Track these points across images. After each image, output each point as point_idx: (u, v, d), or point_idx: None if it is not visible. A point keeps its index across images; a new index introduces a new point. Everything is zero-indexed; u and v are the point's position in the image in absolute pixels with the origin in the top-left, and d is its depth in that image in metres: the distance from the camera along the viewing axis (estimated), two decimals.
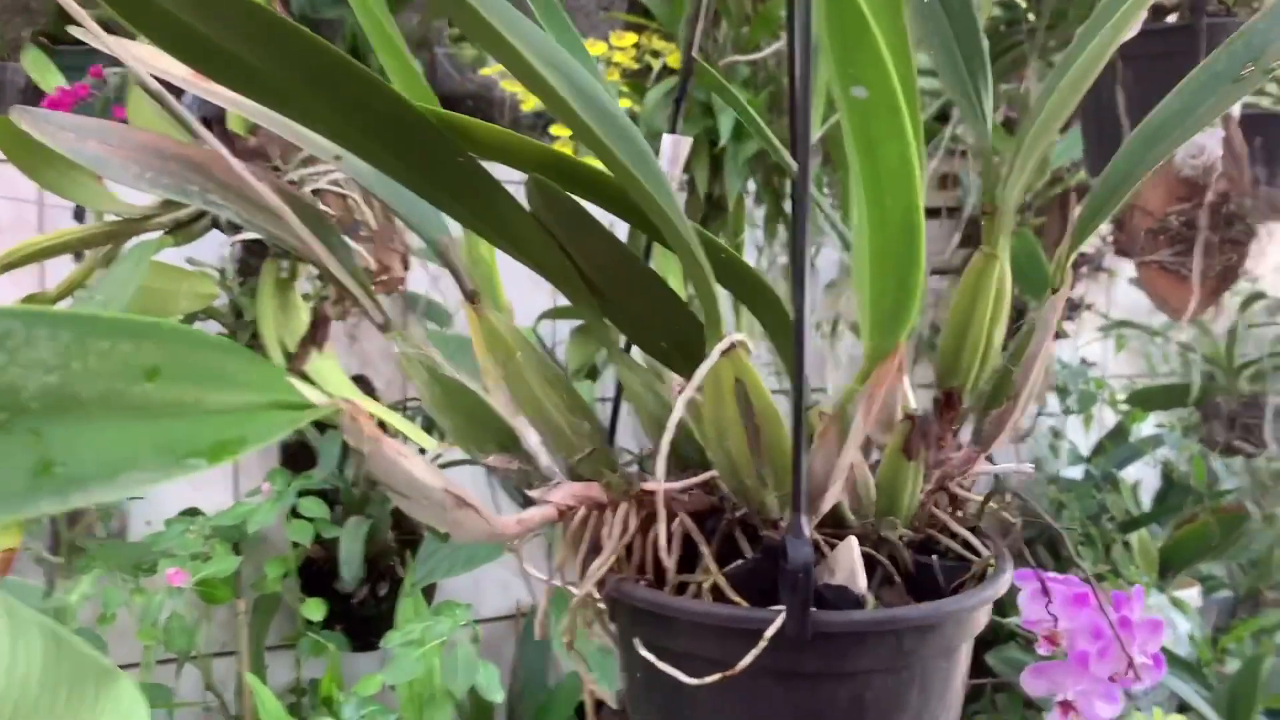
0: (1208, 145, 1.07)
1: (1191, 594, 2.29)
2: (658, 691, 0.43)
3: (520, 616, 1.96)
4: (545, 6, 0.47)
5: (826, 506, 0.42)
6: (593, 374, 1.91)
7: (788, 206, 1.68)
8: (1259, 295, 1.49)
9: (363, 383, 1.83)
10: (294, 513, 1.65)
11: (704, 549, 0.42)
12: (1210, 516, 2.22)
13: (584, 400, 0.43)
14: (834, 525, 0.45)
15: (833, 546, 0.43)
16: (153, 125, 1.02)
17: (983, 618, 0.43)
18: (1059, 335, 2.14)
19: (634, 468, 0.46)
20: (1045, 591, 0.58)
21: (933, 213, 1.72)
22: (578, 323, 1.95)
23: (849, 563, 0.41)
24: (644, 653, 0.42)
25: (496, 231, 0.40)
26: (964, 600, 0.41)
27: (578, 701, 1.59)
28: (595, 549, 0.44)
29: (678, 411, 0.39)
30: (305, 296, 1.22)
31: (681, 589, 0.43)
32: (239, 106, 0.44)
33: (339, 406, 0.35)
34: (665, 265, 0.49)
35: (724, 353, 0.39)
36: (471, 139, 0.38)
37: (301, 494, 1.67)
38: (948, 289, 2.09)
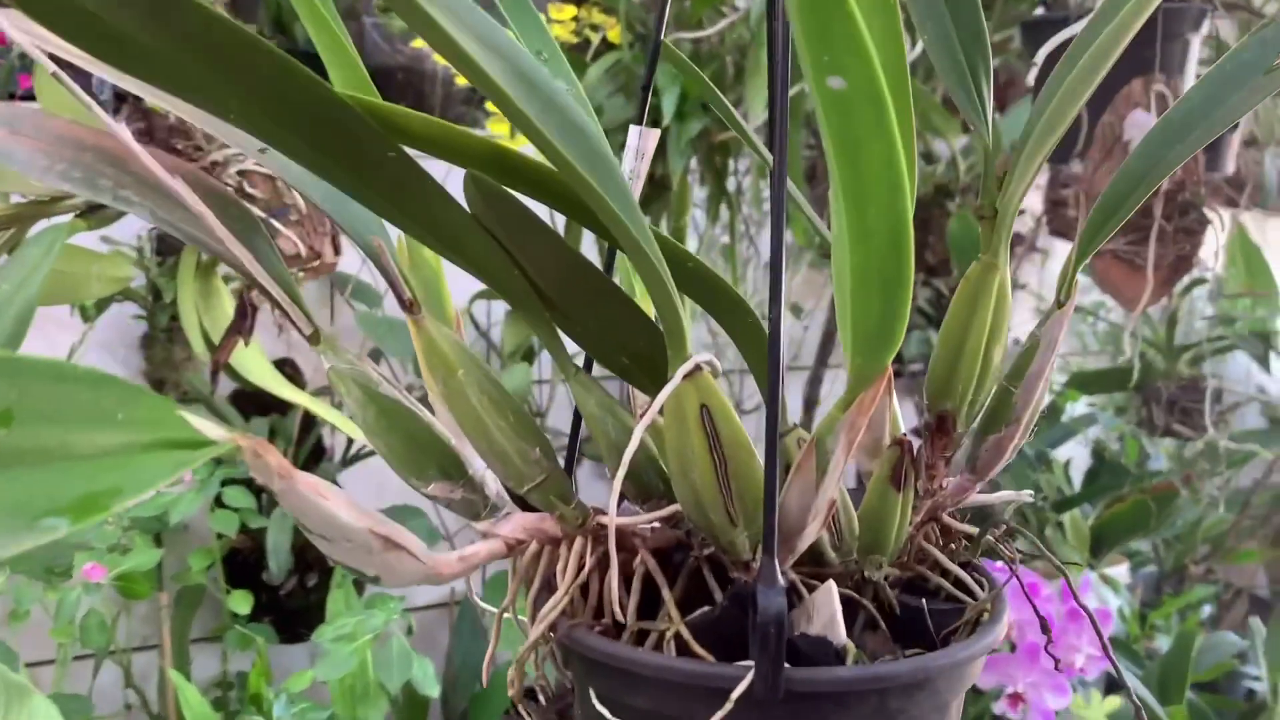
0: None
1: (1120, 571, 2.32)
2: None
3: (454, 605, 1.92)
4: None
5: (803, 546, 0.38)
6: (529, 356, 1.85)
7: (731, 185, 1.64)
8: (1199, 281, 1.49)
9: (289, 365, 1.76)
10: (218, 502, 1.59)
11: (665, 594, 0.38)
12: (1141, 495, 2.24)
13: (533, 423, 0.38)
14: (812, 563, 0.41)
15: (810, 589, 0.39)
16: (62, 104, 0.94)
17: (979, 668, 0.39)
18: None
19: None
20: (1028, 597, 0.55)
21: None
22: None
23: (828, 610, 0.37)
24: (599, 708, 0.37)
25: (433, 235, 0.35)
26: (955, 654, 0.37)
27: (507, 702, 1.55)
28: (549, 586, 0.40)
29: (634, 444, 0.35)
30: (226, 279, 1.15)
31: (642, 636, 0.39)
32: (144, 93, 0.39)
33: (239, 443, 0.30)
34: (631, 276, 0.45)
35: (687, 375, 0.35)
36: (403, 131, 0.33)
37: (225, 483, 1.60)
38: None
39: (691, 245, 1.64)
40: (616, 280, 0.41)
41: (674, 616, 0.37)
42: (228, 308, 1.08)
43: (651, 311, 0.37)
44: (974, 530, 0.43)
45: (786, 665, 0.34)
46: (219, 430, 0.32)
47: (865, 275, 0.34)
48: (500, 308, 1.93)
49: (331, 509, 0.34)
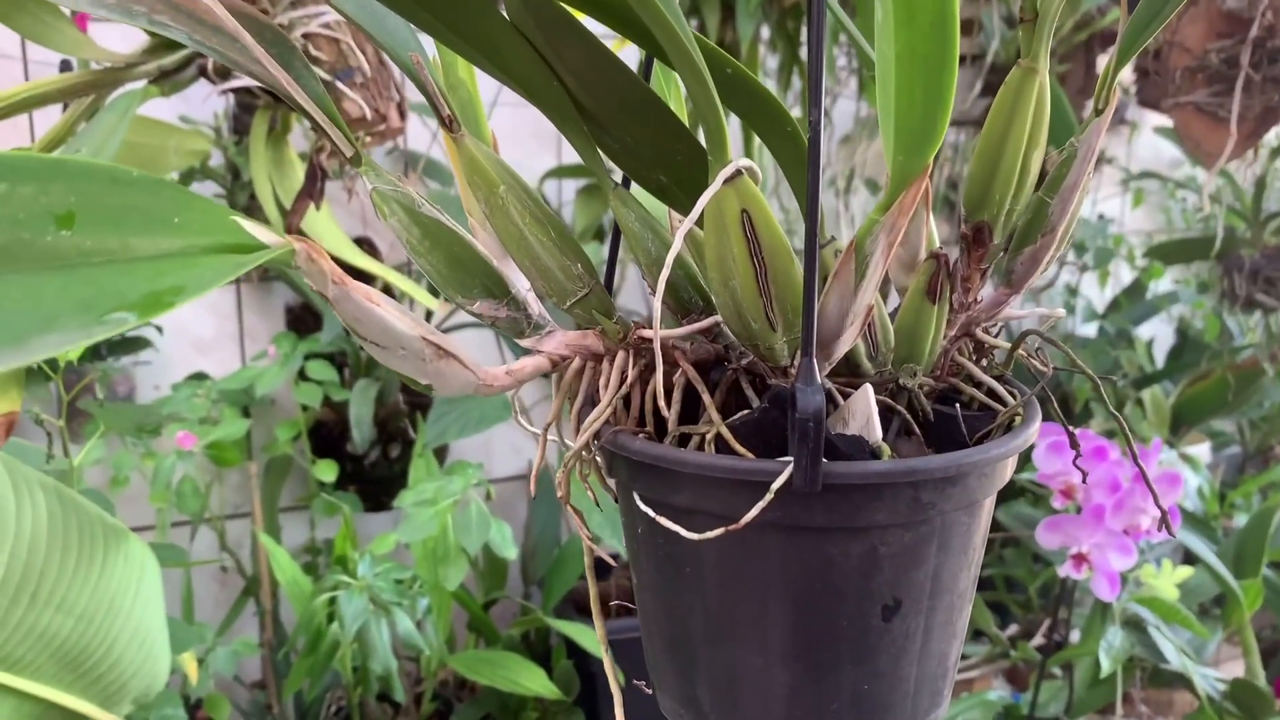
0: None
1: (1201, 450, 2.29)
2: (659, 547, 0.41)
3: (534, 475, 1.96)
4: None
5: (840, 352, 0.39)
6: (600, 235, 1.86)
7: (803, 53, 1.60)
8: None
9: (366, 244, 1.79)
10: (302, 375, 1.65)
11: (706, 398, 0.39)
12: (1224, 373, 2.20)
13: (574, 240, 0.39)
14: (849, 373, 0.42)
15: (847, 395, 0.40)
16: None
17: (1008, 470, 0.40)
18: None
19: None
20: (1073, 444, 0.55)
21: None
22: (584, 182, 1.89)
23: (864, 411, 0.38)
24: (643, 507, 0.39)
25: (471, 43, 0.36)
26: (988, 450, 0.38)
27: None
28: (592, 401, 0.41)
29: (676, 246, 0.35)
30: (301, 155, 1.17)
31: (683, 441, 0.40)
32: None
33: (293, 246, 0.31)
34: (666, 88, 0.45)
35: (728, 180, 0.35)
36: None
37: (308, 357, 1.65)
38: (966, 142, 2.01)
39: None
40: None
41: (714, 418, 0.38)
42: (299, 175, 1.10)
43: (691, 129, 0.37)
44: (1006, 344, 0.43)
45: (824, 460, 0.35)
46: (273, 235, 0.34)
47: (909, 63, 0.34)
48: (570, 187, 1.93)
49: (385, 315, 0.36)
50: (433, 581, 1.40)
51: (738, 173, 0.35)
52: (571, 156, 1.84)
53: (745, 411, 0.39)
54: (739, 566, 0.39)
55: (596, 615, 0.44)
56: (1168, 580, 1.41)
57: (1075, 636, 1.52)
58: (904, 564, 0.39)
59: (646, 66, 0.42)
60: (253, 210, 1.68)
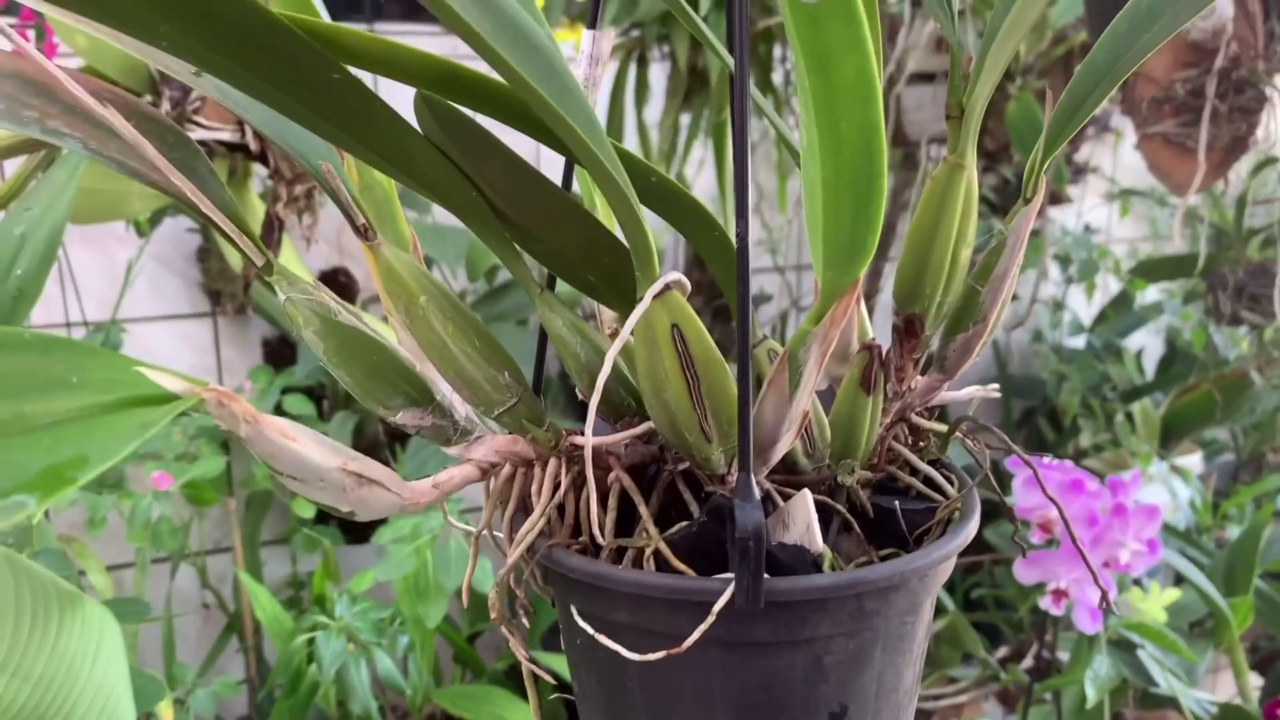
0: (1218, 5, 0.98)
1: (1193, 460, 2.27)
2: (598, 660, 0.40)
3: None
4: None
5: (777, 457, 0.37)
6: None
7: (776, 78, 1.59)
8: (1270, 160, 1.42)
9: (342, 274, 1.77)
10: (279, 410, 1.63)
11: (642, 509, 0.38)
12: (1212, 384, 2.19)
13: (500, 347, 0.38)
14: (785, 471, 0.40)
15: (785, 496, 0.38)
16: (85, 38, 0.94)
17: (950, 567, 0.39)
18: (1062, 200, 2.06)
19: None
20: (1043, 489, 0.54)
21: (928, 78, 1.63)
22: None
23: (804, 518, 0.36)
24: (581, 624, 0.38)
25: (384, 158, 0.34)
26: (929, 554, 0.37)
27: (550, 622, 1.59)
28: (525, 507, 0.40)
29: (606, 368, 0.34)
30: (262, 196, 1.16)
31: (621, 552, 0.39)
32: (66, 18, 0.38)
33: (202, 395, 0.30)
34: (591, 190, 0.44)
35: (657, 295, 0.34)
36: (347, 50, 0.32)
37: (285, 391, 1.64)
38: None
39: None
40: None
41: (652, 533, 0.37)
42: (260, 219, 1.09)
43: (615, 228, 0.36)
44: (942, 427, 0.42)
45: (766, 576, 0.34)
46: (180, 383, 0.32)
47: (837, 188, 0.33)
48: None
49: (301, 450, 0.34)
50: (414, 617, 1.38)
51: (666, 287, 0.34)
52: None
53: (683, 524, 0.38)
54: (682, 681, 0.38)
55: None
56: (1155, 603, 1.40)
57: (1066, 656, 1.51)
58: (849, 670, 0.38)
59: (567, 170, 0.41)
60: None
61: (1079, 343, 2.35)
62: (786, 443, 0.37)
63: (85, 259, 1.57)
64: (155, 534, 1.50)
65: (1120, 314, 2.39)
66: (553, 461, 0.38)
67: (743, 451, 0.35)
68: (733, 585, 0.35)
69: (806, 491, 0.37)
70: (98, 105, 0.34)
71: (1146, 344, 2.46)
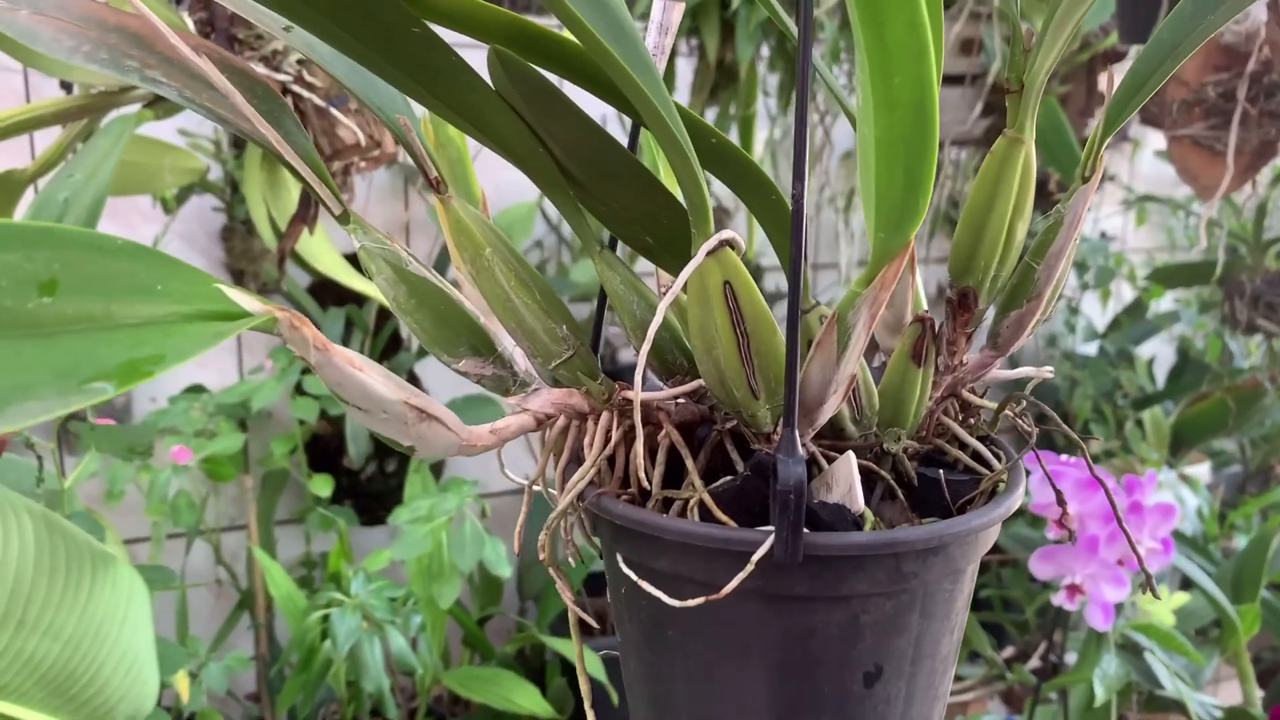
0: (1252, 9, 0.99)
1: (1202, 470, 2.28)
2: (641, 609, 0.41)
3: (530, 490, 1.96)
4: None
5: (824, 419, 0.39)
6: None
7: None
8: None
9: None
10: (299, 389, 1.64)
11: (689, 463, 0.39)
12: (1224, 394, 2.19)
13: (560, 301, 0.39)
14: (833, 436, 0.41)
15: (830, 460, 0.39)
16: None
17: (992, 536, 0.40)
18: None
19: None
20: (1052, 482, 0.55)
21: (954, 80, 1.64)
22: None
23: (847, 479, 0.37)
24: (626, 570, 0.39)
25: (458, 112, 0.35)
26: (969, 521, 0.38)
27: (585, 574, 1.60)
28: (577, 459, 0.41)
29: (657, 320, 0.35)
30: None
31: (667, 505, 0.40)
32: None
33: (275, 315, 0.31)
34: (655, 151, 0.45)
35: (711, 252, 0.35)
36: (425, 5, 0.33)
37: (305, 371, 1.65)
38: (967, 161, 2.01)
39: (761, 134, 1.61)
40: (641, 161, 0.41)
41: (697, 485, 0.38)
42: (294, 196, 1.10)
43: (676, 192, 0.37)
44: (993, 405, 0.43)
45: (805, 530, 0.35)
46: (255, 302, 0.34)
47: (890, 146, 0.34)
48: None
49: (367, 380, 0.36)
50: (427, 598, 1.40)
51: (721, 244, 0.35)
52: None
53: (728, 478, 0.39)
54: (720, 632, 0.39)
55: (582, 674, 0.44)
56: (1164, 606, 1.41)
57: (1072, 658, 1.52)
58: (886, 632, 0.39)
59: (634, 133, 0.42)
60: (253, 226, 1.69)
61: (1092, 349, 2.35)
62: (833, 405, 0.38)
63: (110, 234, 1.59)
64: (173, 508, 1.52)
65: (1134, 321, 2.39)
66: (605, 415, 0.40)
67: (788, 408, 0.36)
68: (772, 537, 0.36)
69: (850, 453, 0.38)
70: (194, 56, 0.35)
71: (1158, 352, 2.47)
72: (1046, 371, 0.44)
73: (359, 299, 1.79)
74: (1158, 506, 1.12)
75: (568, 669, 1.61)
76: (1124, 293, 2.49)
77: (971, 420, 0.44)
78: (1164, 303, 2.41)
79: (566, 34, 0.34)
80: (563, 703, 1.59)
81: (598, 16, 0.32)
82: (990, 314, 0.44)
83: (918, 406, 0.41)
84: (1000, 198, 0.39)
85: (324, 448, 1.74)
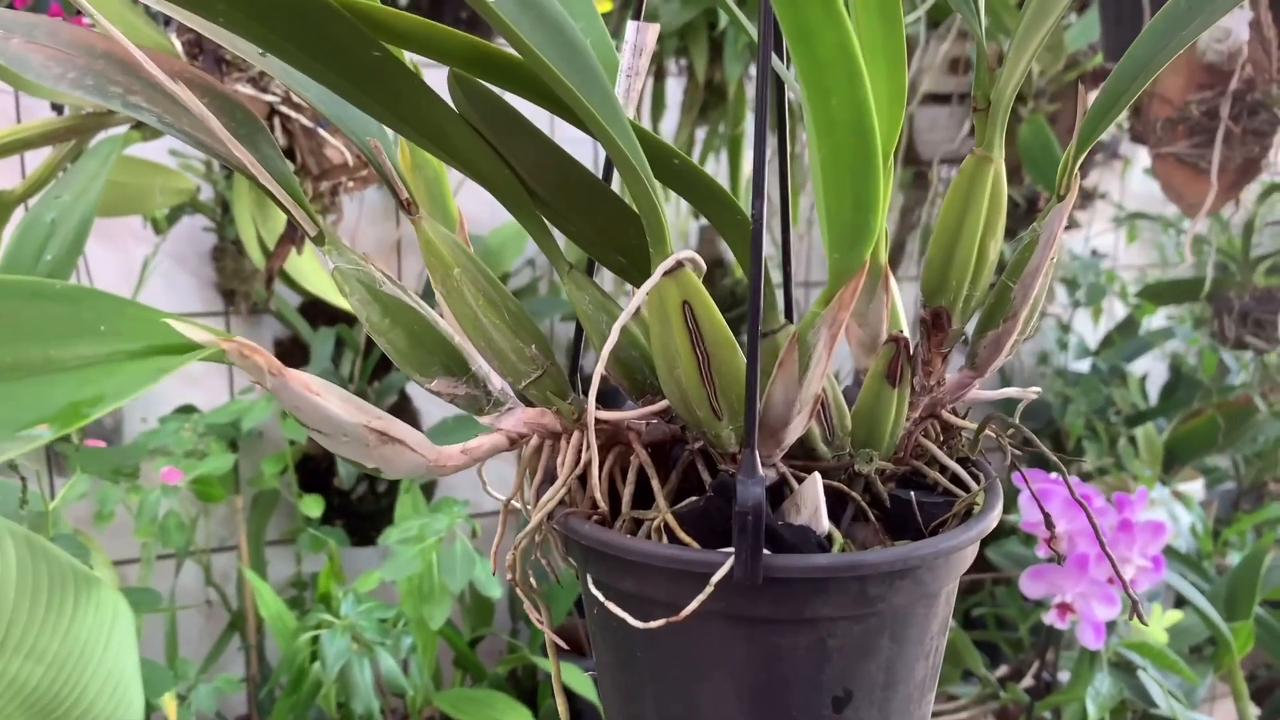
0: (1234, 28, 1.00)
1: (1195, 487, 2.28)
2: (612, 630, 0.41)
3: (521, 509, 1.96)
4: None
5: (790, 440, 0.38)
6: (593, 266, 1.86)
7: (791, 95, 1.61)
8: (1277, 187, 1.43)
9: None
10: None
11: (654, 484, 0.39)
12: (1216, 410, 2.19)
13: (529, 321, 0.39)
14: (804, 457, 0.41)
15: (801, 481, 0.39)
16: (110, 12, 0.96)
17: (967, 559, 0.40)
18: (1070, 225, 2.07)
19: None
20: (1039, 503, 0.55)
21: (942, 99, 1.64)
22: None
23: (813, 500, 0.37)
24: (594, 591, 0.39)
25: (422, 134, 0.36)
26: (937, 544, 0.38)
27: (577, 595, 1.59)
28: (551, 477, 0.41)
29: (612, 340, 0.35)
30: None
31: (637, 524, 0.40)
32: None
33: (223, 346, 0.31)
34: None
35: (669, 272, 0.35)
36: (385, 29, 0.34)
37: None
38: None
39: (748, 154, 1.62)
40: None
41: (662, 505, 0.38)
42: (283, 218, 1.10)
43: None
44: (973, 426, 0.43)
45: (766, 552, 0.35)
46: (203, 334, 0.34)
47: (835, 167, 0.34)
48: None
49: (323, 404, 0.36)
50: (418, 619, 1.39)
51: (679, 264, 0.35)
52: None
53: (692, 499, 0.39)
54: (689, 654, 0.39)
55: (559, 692, 0.44)
56: (1157, 624, 1.40)
57: (1065, 677, 1.51)
58: (854, 656, 0.38)
59: (608, 164, 0.42)
60: (244, 247, 1.69)
61: (1084, 366, 2.36)
62: (799, 425, 0.38)
63: (101, 255, 1.59)
64: (162, 529, 1.51)
65: (1126, 338, 2.40)
66: (575, 434, 0.40)
67: (749, 429, 0.36)
68: (732, 559, 0.36)
69: (816, 475, 0.38)
70: (170, 83, 0.35)
71: (1151, 369, 2.47)
72: (1032, 392, 0.44)
73: (350, 318, 1.79)
74: (1148, 524, 1.12)
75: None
76: (1116, 310, 2.50)
77: (953, 442, 0.44)
78: (1156, 319, 2.41)
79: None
80: None
81: (546, 38, 0.32)
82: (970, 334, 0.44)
83: (894, 427, 0.41)
84: (970, 216, 0.39)
85: (315, 468, 1.73)
